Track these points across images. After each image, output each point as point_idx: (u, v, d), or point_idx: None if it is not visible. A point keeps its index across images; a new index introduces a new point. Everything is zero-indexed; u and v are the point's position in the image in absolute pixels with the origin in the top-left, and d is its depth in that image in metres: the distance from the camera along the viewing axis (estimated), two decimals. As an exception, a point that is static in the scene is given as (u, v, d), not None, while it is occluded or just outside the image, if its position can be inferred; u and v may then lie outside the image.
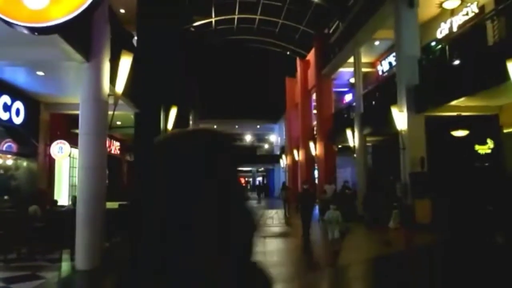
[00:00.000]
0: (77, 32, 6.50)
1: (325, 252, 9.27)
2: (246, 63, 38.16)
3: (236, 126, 43.46)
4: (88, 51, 6.97)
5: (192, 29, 26.93)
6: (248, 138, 46.35)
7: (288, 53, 32.04)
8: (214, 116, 37.82)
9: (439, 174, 12.23)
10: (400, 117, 12.56)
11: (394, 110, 12.58)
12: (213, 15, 27.09)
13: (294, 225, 14.97)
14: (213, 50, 34.08)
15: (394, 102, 13.03)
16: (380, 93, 15.86)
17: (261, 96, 38.83)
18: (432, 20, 15.28)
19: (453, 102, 11.27)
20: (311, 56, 26.04)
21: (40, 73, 8.75)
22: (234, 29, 29.86)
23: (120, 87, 7.28)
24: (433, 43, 14.52)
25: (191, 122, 32.48)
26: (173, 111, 12.08)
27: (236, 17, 27.87)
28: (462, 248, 9.43)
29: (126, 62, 7.30)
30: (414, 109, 12.41)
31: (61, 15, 3.82)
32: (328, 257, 8.37)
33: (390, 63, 18.07)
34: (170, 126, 12.24)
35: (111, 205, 13.19)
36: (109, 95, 7.22)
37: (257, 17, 27.83)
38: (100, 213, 6.98)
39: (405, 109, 12.52)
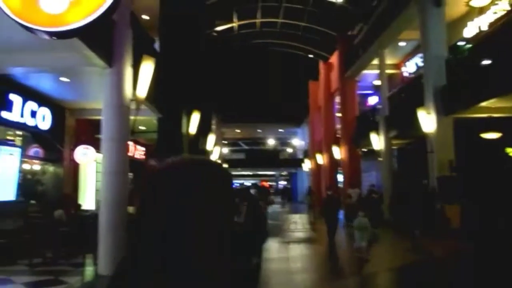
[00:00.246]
0: (98, 37, 6.53)
1: (351, 259, 9.02)
2: (269, 67, 38.09)
3: (259, 130, 43.40)
4: (110, 57, 7.00)
5: (215, 34, 27.08)
6: (271, 141, 46.20)
7: (311, 56, 31.82)
8: (236, 120, 37.88)
9: (469, 178, 11.77)
10: (427, 120, 12.17)
11: (421, 113, 12.21)
12: (235, 20, 27.18)
13: (319, 231, 14.72)
14: (236, 54, 34.18)
15: (421, 104, 12.65)
16: (406, 95, 15.46)
17: (284, 100, 38.64)
18: (459, 20, 14.82)
19: (483, 103, 10.85)
20: (334, 58, 25.73)
21: (64, 79, 8.88)
22: (256, 33, 29.85)
23: (142, 92, 7.28)
24: (461, 43, 14.06)
25: (213, 127, 32.64)
26: (196, 116, 12.07)
27: (258, 21, 27.87)
28: (492, 256, 9.00)
29: (148, 67, 7.30)
30: (442, 111, 12.00)
31: (79, 19, 3.81)
32: (353, 265, 8.12)
33: (416, 64, 17.62)
34: (192, 130, 12.23)
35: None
36: (131, 100, 7.23)
37: (279, 20, 27.73)
38: (123, 217, 6.97)
39: (432, 111, 12.13)
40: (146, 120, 12.23)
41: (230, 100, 36.50)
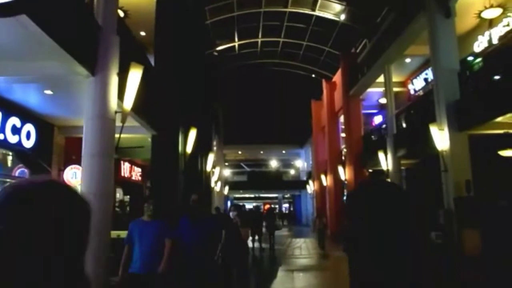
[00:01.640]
0: (80, 42, 5.86)
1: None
2: (271, 87, 37.65)
3: (261, 152, 42.68)
4: (94, 64, 6.30)
5: (215, 54, 26.68)
6: (274, 163, 45.34)
7: (313, 75, 31.36)
8: (238, 141, 37.22)
9: (487, 198, 10.89)
10: (440, 136, 11.38)
11: (434, 129, 11.43)
12: (236, 39, 26.82)
13: (328, 258, 13.76)
14: (237, 74, 33.79)
15: (431, 120, 11.90)
16: (414, 111, 14.71)
17: (287, 121, 38.03)
18: (468, 34, 14.25)
19: (499, 119, 10.08)
20: (337, 77, 25.18)
21: (48, 92, 8.18)
22: (257, 52, 29.49)
23: (128, 103, 6.55)
24: (470, 58, 13.40)
25: (215, 148, 31.94)
26: (192, 133, 11.32)
27: (259, 40, 27.52)
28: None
29: (135, 75, 6.60)
30: (456, 127, 11.23)
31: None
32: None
33: (425, 79, 16.95)
34: (189, 149, 11.46)
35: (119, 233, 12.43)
36: (116, 112, 6.49)
37: (281, 39, 27.40)
38: (104, 244, 6.11)
39: (445, 127, 11.35)
40: (139, 138, 11.50)
41: (232, 121, 35.95)
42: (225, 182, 36.80)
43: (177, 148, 11.09)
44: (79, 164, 11.31)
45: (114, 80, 6.56)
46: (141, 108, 9.61)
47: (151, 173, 11.82)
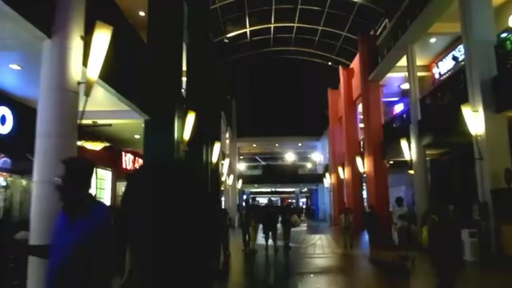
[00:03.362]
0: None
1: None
2: (285, 77, 36.14)
3: (276, 145, 41.32)
4: (49, 23, 5.12)
5: (226, 41, 25.42)
6: (290, 156, 43.93)
7: (329, 63, 29.79)
8: (252, 134, 35.94)
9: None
10: (474, 119, 9.87)
11: (466, 110, 9.92)
12: (247, 25, 25.48)
13: (349, 258, 12.38)
14: (250, 64, 32.45)
15: (462, 102, 10.38)
16: (442, 94, 13.14)
17: (302, 112, 36.51)
18: (501, 8, 12.57)
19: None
20: (355, 63, 23.60)
21: (15, 66, 7.07)
22: (270, 39, 28.09)
23: (93, 72, 5.33)
24: (504, 35, 11.75)
25: (227, 141, 30.75)
26: (191, 118, 10.10)
27: (272, 26, 26.11)
28: None
29: (102, 38, 5.38)
30: (493, 108, 9.70)
31: None
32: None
33: (454, 58, 15.29)
34: (187, 135, 10.25)
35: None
36: (80, 83, 5.29)
37: (295, 25, 25.92)
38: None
39: (480, 108, 9.83)
40: (130, 124, 10.36)
41: (246, 113, 34.70)
42: (238, 175, 35.64)
43: (173, 135, 9.87)
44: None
45: (76, 45, 5.35)
46: (130, 87, 8.45)
47: (143, 161, 10.68)
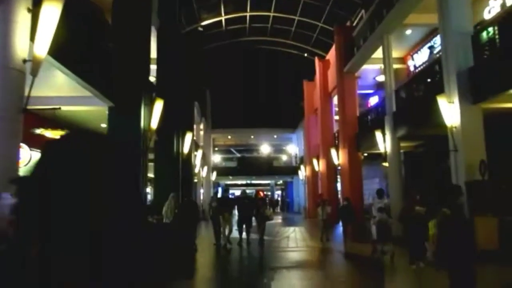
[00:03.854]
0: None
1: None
2: (262, 68, 35.71)
3: (252, 136, 40.93)
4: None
5: (200, 29, 24.72)
6: (265, 148, 43.64)
7: (305, 55, 29.52)
8: (227, 125, 35.44)
9: (505, 183, 9.32)
10: (449, 110, 9.72)
11: (442, 101, 9.76)
12: (222, 13, 24.86)
13: (325, 251, 12.14)
14: (225, 54, 31.81)
15: (438, 93, 10.21)
16: (417, 85, 13.00)
17: (278, 104, 36.21)
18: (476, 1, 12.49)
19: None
20: (331, 55, 23.37)
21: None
22: (246, 29, 27.55)
23: (40, 48, 4.75)
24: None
25: (202, 132, 30.15)
26: (158, 105, 9.56)
27: (248, 14, 25.57)
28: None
29: (51, 9, 4.80)
30: (468, 99, 9.57)
31: None
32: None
33: (430, 48, 15.21)
34: (154, 124, 9.71)
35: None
36: (26, 61, 4.72)
37: (271, 14, 25.46)
38: None
39: (456, 99, 9.69)
40: (94, 110, 9.74)
41: (220, 104, 34.14)
42: (213, 167, 35.12)
43: (139, 123, 9.32)
44: (23, 140, 9.53)
45: (23, 18, 4.77)
46: (91, 71, 7.85)
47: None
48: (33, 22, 4.83)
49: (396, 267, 8.69)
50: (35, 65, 4.71)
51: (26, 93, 4.83)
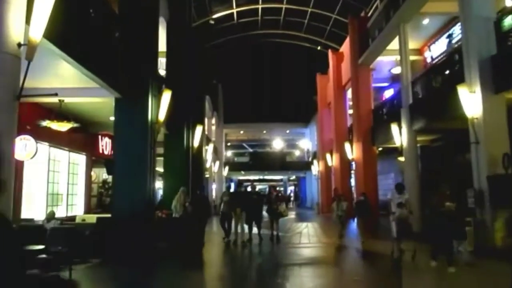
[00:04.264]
0: None
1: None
2: (274, 61, 35.27)
3: (264, 131, 40.59)
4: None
5: (212, 22, 24.41)
6: (277, 144, 43.26)
7: (318, 48, 28.99)
8: (240, 120, 35.16)
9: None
10: (470, 101, 9.24)
11: (462, 91, 9.28)
12: (234, 6, 24.48)
13: (342, 249, 11.75)
14: (237, 48, 31.46)
15: (458, 83, 9.72)
16: (435, 76, 12.48)
17: (291, 98, 35.75)
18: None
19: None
20: (345, 47, 22.84)
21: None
22: (258, 22, 27.13)
23: (36, 31, 4.48)
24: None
25: (213, 127, 29.91)
26: (166, 96, 9.28)
27: (260, 7, 25.15)
28: None
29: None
30: (491, 88, 9.08)
31: None
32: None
33: (449, 37, 14.63)
34: (162, 116, 9.44)
35: (89, 218, 10.57)
36: (20, 45, 4.46)
37: (284, 6, 24.99)
38: None
39: (477, 89, 9.20)
40: (99, 102, 9.52)
41: (233, 98, 33.86)
42: (225, 162, 34.91)
43: (147, 115, 9.06)
44: (30, 133, 9.37)
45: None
46: (97, 60, 7.60)
47: (113, 146, 9.86)
48: (29, 3, 4.55)
49: (418, 267, 8.19)
50: (30, 49, 4.44)
51: (21, 80, 4.57)
